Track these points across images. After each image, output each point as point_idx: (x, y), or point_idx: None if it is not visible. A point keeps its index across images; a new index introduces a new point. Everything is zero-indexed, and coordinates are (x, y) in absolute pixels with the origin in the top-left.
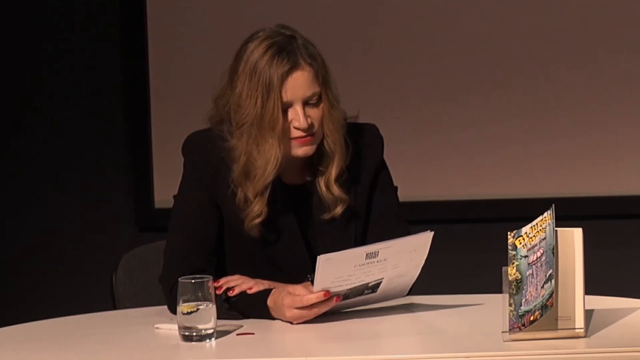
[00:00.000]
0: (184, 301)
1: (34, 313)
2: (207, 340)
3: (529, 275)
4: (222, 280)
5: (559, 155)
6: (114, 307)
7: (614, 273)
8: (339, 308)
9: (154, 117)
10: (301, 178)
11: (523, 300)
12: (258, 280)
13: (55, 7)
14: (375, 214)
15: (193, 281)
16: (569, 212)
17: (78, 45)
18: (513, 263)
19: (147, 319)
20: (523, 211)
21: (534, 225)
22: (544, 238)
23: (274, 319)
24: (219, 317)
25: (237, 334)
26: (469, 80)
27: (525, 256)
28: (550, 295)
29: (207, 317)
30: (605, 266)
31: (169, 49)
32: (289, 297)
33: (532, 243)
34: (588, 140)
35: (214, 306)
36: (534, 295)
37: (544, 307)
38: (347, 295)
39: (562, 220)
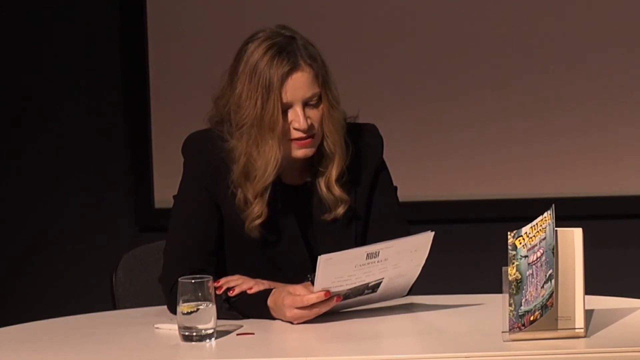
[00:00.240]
0: (184, 301)
1: (34, 313)
2: (207, 340)
3: (529, 275)
4: (222, 280)
5: (559, 155)
6: (114, 307)
7: (614, 273)
8: (339, 308)
9: (154, 117)
10: (301, 179)
11: (523, 300)
12: (258, 280)
13: (55, 7)
14: (375, 214)
15: (193, 281)
16: (569, 212)
17: (78, 45)
18: (513, 263)
19: (147, 319)
20: (523, 211)
21: (534, 225)
22: (544, 238)
23: (274, 319)
24: (219, 317)
25: (237, 334)
26: (469, 80)
27: (525, 256)
28: (550, 295)
29: (207, 317)
30: (605, 266)
31: (169, 49)
32: (289, 297)
33: (532, 243)
34: (588, 140)
35: (214, 306)
36: (534, 295)
37: (544, 307)
38: (347, 295)
39: (562, 220)
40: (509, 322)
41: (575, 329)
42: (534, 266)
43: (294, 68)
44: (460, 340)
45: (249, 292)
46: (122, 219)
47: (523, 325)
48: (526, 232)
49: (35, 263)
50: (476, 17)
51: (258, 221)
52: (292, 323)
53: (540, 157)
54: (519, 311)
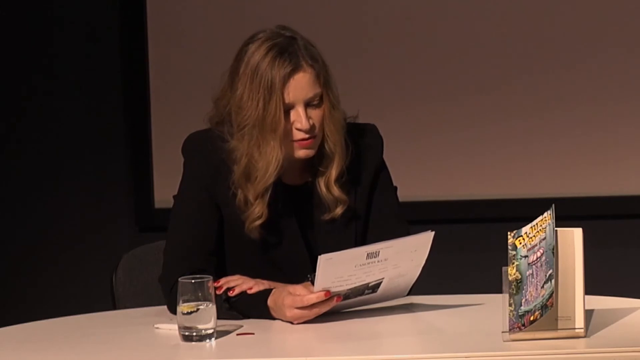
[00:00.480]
0: (184, 301)
1: (34, 313)
2: (207, 340)
3: (529, 275)
4: (222, 281)
5: (559, 155)
6: (114, 307)
7: (614, 273)
8: (339, 308)
9: (154, 117)
10: (301, 179)
11: (523, 300)
12: (258, 280)
13: (55, 7)
14: (375, 214)
15: (193, 281)
16: (569, 212)
17: (78, 45)
18: (513, 263)
19: (147, 319)
20: (523, 211)
21: (534, 225)
22: (544, 238)
23: (274, 319)
24: (219, 317)
25: (237, 334)
26: (469, 80)
27: (525, 256)
28: (550, 295)
29: (207, 317)
30: (605, 266)
31: (169, 49)
32: (289, 297)
33: (532, 243)
34: (588, 140)
35: (214, 306)
36: (534, 295)
37: (544, 307)
38: (347, 295)
39: (562, 220)
40: (509, 322)
41: (575, 329)
42: (534, 266)
43: (295, 69)
44: (460, 340)
45: (249, 292)
46: (122, 219)
47: (523, 325)
48: (526, 232)
49: (35, 263)
50: (476, 17)
51: (259, 222)
52: (292, 323)
53: (540, 157)
54: (519, 311)
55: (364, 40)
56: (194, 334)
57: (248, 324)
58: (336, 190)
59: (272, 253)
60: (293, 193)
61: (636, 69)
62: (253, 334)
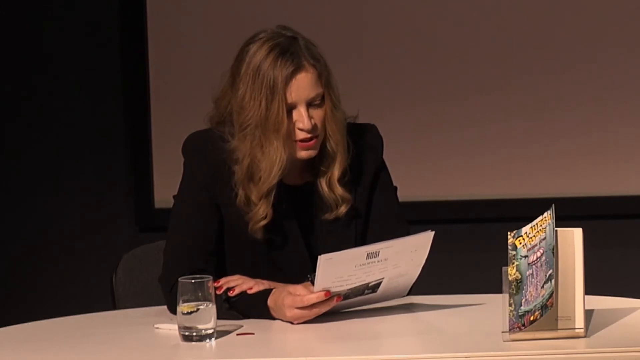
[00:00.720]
0: (184, 301)
1: (34, 313)
2: (207, 340)
3: (529, 275)
4: (222, 281)
5: (559, 155)
6: (114, 307)
7: (614, 273)
8: (339, 308)
9: (154, 117)
10: (301, 179)
11: (523, 300)
12: (258, 280)
13: (55, 7)
14: (375, 214)
15: (193, 281)
16: (569, 212)
17: (78, 46)
18: (513, 263)
19: (147, 319)
20: (523, 211)
21: (534, 225)
22: (544, 238)
23: (274, 319)
24: (219, 317)
25: (237, 334)
26: (469, 80)
27: (525, 256)
28: (550, 295)
29: (207, 317)
30: (605, 266)
31: (169, 49)
32: (289, 297)
33: (532, 243)
34: (588, 140)
35: (214, 306)
36: (534, 295)
37: (544, 307)
38: (347, 295)
39: (562, 220)
40: (509, 322)
41: (575, 329)
42: (534, 266)
43: (298, 68)
44: (460, 340)
45: (249, 292)
46: (122, 219)
47: (523, 325)
48: (526, 232)
49: (35, 263)
50: (476, 17)
51: (263, 222)
52: (292, 323)
53: (540, 157)
54: (519, 311)
55: (364, 40)
56: (194, 334)
57: (248, 324)
58: (339, 189)
59: (273, 253)
60: (293, 193)
61: (636, 69)
62: (253, 334)
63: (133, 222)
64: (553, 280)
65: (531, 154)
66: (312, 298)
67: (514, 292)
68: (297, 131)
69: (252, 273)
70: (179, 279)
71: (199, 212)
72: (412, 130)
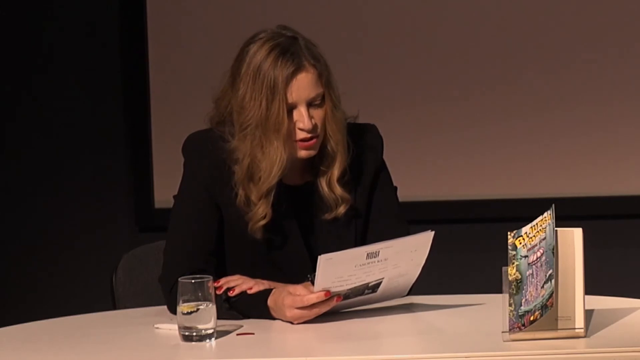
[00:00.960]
0: (184, 301)
1: (34, 313)
2: (207, 340)
3: (529, 275)
4: (222, 280)
5: (559, 155)
6: (114, 307)
7: (614, 273)
8: (339, 308)
9: (154, 117)
10: (301, 178)
11: (523, 300)
12: (258, 280)
13: (55, 7)
14: (375, 214)
15: (193, 281)
16: (569, 212)
17: (78, 46)
18: (513, 263)
19: (147, 319)
20: (523, 211)
21: (534, 225)
22: (544, 238)
23: (274, 319)
24: (219, 317)
25: (237, 334)
26: (469, 80)
27: (525, 256)
28: (550, 295)
29: (207, 317)
30: (605, 266)
31: (169, 49)
32: (289, 297)
33: (532, 243)
34: (588, 140)
35: (214, 306)
36: (534, 295)
37: (544, 307)
38: (347, 295)
39: (562, 220)
40: (509, 322)
41: (575, 329)
42: (534, 266)
43: (298, 69)
44: (460, 340)
45: (249, 292)
46: (122, 219)
47: (523, 325)
48: (526, 232)
49: (35, 263)
50: (476, 17)
51: (262, 222)
52: (292, 323)
53: (540, 157)
54: (519, 311)
55: (364, 40)
56: (194, 334)
57: (248, 324)
58: (339, 189)
59: (273, 253)
60: (293, 193)
61: (636, 69)
62: (253, 334)
63: (133, 222)
64: (553, 280)
65: (531, 154)
66: (312, 298)
67: (514, 292)
68: (298, 131)
69: (252, 273)
70: (179, 279)
71: (199, 212)
72: (412, 130)
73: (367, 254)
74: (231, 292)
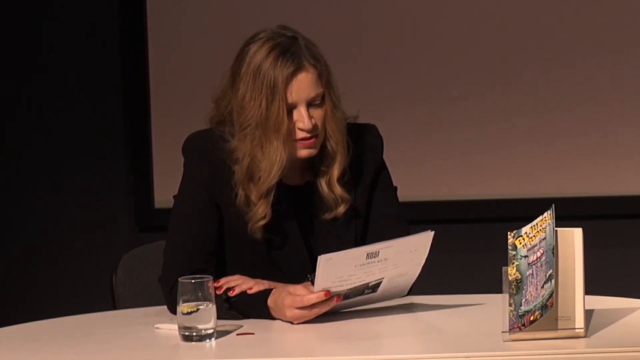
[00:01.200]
0: (184, 301)
1: (34, 313)
2: (207, 340)
3: (529, 275)
4: (222, 280)
5: (559, 155)
6: (114, 307)
7: (614, 273)
8: (339, 308)
9: (154, 117)
10: (301, 178)
11: (523, 300)
12: (258, 280)
13: (55, 7)
14: (375, 214)
15: (193, 281)
16: (569, 212)
17: (78, 46)
18: (513, 263)
19: (147, 319)
20: (523, 211)
21: (534, 225)
22: (544, 238)
23: (274, 319)
24: (219, 317)
25: (237, 334)
26: (469, 80)
27: (525, 256)
28: (550, 295)
29: (207, 317)
30: (605, 266)
31: (169, 49)
32: (289, 297)
33: (532, 243)
34: (588, 140)
35: (214, 306)
36: (534, 295)
37: (544, 307)
38: (347, 295)
39: (562, 220)
40: (509, 322)
41: (575, 329)
42: (534, 266)
43: (298, 68)
44: (460, 340)
45: (249, 292)
46: (122, 219)
47: (523, 325)
48: (526, 232)
49: (35, 263)
50: (476, 17)
51: (262, 222)
52: (292, 323)
53: (540, 157)
54: (519, 311)
55: (364, 40)
56: (194, 334)
57: (248, 324)
58: (338, 189)
59: (273, 253)
60: (293, 193)
61: (636, 69)
62: (253, 334)
63: (133, 222)
64: (553, 280)
65: (531, 154)
66: (312, 298)
67: (514, 292)
68: (297, 131)
69: (252, 273)
70: (179, 279)
71: (199, 212)
72: (412, 130)
73: (367, 254)
74: (231, 292)
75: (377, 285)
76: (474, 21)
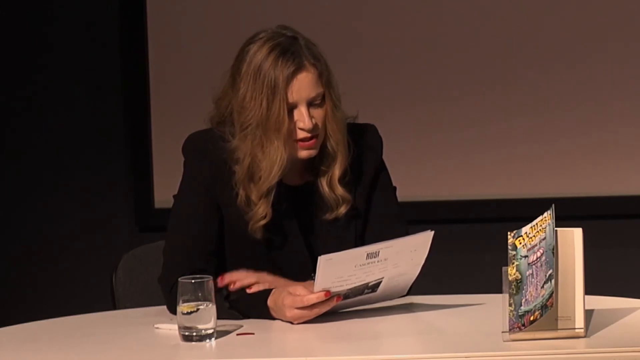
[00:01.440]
0: (184, 301)
1: (34, 313)
2: (207, 340)
3: (529, 275)
4: (226, 275)
5: (559, 155)
6: (114, 307)
7: (614, 273)
8: (339, 308)
9: (154, 117)
10: (301, 179)
11: (523, 300)
12: (261, 274)
13: (55, 7)
14: (375, 214)
15: (193, 281)
16: (569, 212)
17: (78, 45)
18: (513, 263)
19: (147, 319)
20: (523, 211)
21: (534, 225)
22: (544, 238)
23: (274, 319)
24: (219, 317)
25: (237, 334)
26: (469, 80)
27: (525, 256)
28: (550, 295)
29: (207, 317)
30: (605, 266)
31: (169, 49)
32: (289, 297)
33: (532, 243)
34: (588, 140)
35: (214, 306)
36: (534, 295)
37: (544, 307)
38: (347, 295)
39: (562, 220)
40: (509, 322)
41: (575, 329)
42: (534, 266)
43: (299, 68)
44: (460, 340)
45: (248, 291)
46: (122, 219)
47: (523, 325)
48: (526, 232)
49: (35, 263)
50: (476, 17)
51: (262, 222)
52: (292, 323)
53: (540, 157)
54: (519, 311)
55: (364, 40)
56: (194, 334)
57: (248, 324)
58: (340, 189)
59: (273, 253)
60: (293, 193)
61: (636, 69)
62: (253, 334)
63: (133, 222)
64: (553, 280)
65: (531, 154)
66: (312, 298)
67: (514, 292)
68: (298, 131)
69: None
70: (179, 279)
71: (199, 212)
72: (412, 130)
73: (367, 254)
74: (232, 286)
75: (377, 285)
76: (474, 21)
